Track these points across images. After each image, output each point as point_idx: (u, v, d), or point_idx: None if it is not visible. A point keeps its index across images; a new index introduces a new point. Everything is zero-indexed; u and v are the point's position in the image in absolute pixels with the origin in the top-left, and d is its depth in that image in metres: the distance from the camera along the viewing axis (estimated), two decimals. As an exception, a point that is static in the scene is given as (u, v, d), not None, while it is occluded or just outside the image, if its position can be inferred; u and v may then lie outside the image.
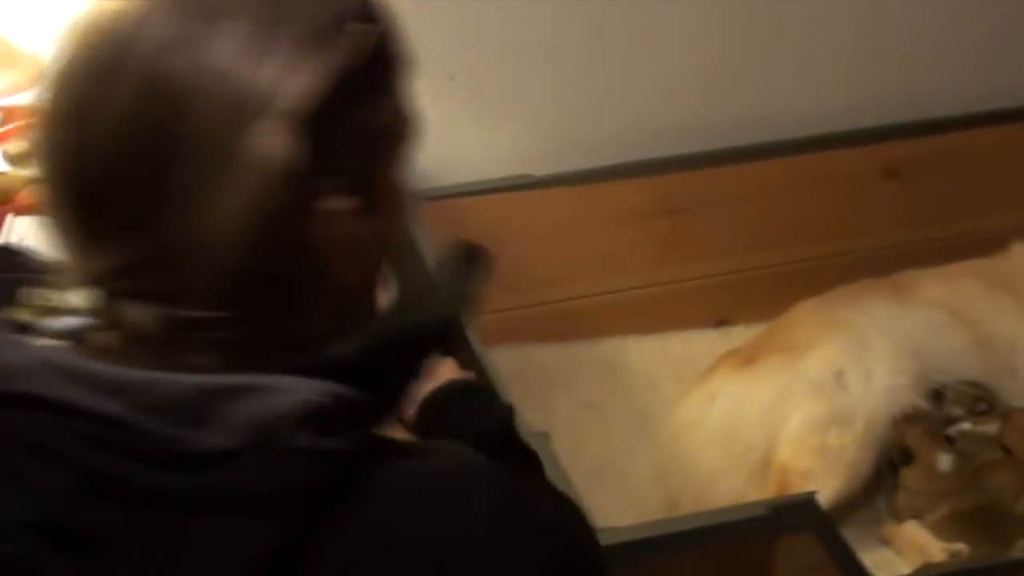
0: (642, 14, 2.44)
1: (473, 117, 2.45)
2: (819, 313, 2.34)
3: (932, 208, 2.58)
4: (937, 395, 2.25)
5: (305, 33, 0.88)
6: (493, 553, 0.87)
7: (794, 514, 1.77)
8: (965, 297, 2.38)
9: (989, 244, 2.48)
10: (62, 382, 0.87)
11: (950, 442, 2.22)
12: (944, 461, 2.19)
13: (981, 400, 2.27)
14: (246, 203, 0.86)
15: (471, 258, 1.02)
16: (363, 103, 0.90)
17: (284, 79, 0.86)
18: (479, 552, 0.87)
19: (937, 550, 2.11)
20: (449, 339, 1.04)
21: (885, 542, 2.17)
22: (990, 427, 2.27)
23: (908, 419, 2.20)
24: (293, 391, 0.85)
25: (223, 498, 0.84)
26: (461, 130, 2.43)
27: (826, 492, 2.05)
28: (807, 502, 1.80)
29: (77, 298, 0.93)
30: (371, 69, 0.91)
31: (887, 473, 2.20)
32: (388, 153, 0.94)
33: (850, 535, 1.92)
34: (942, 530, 2.15)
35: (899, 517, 2.18)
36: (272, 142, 0.85)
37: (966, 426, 2.26)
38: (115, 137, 0.87)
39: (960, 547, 2.11)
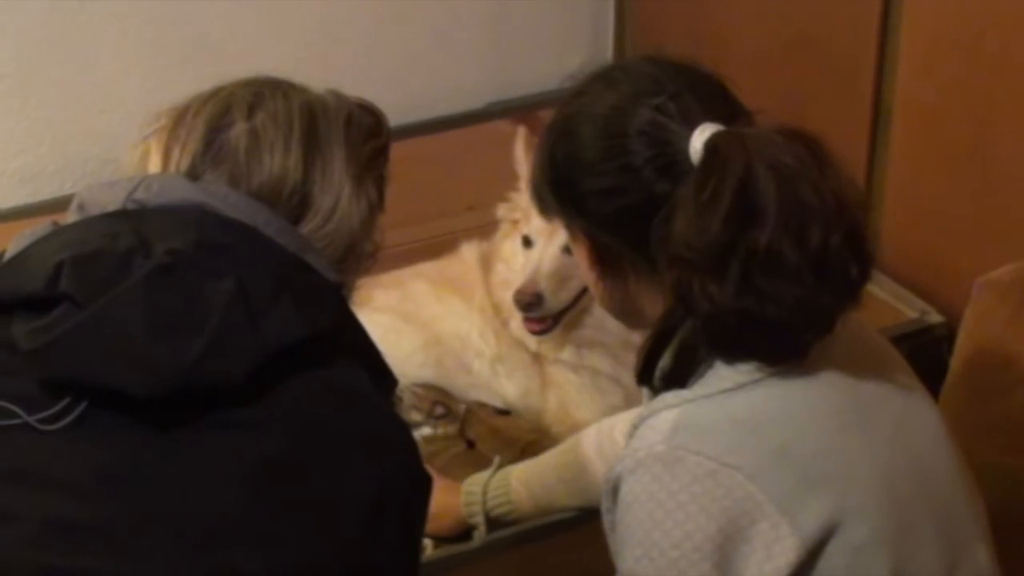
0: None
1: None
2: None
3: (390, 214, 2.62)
4: (396, 401, 2.28)
5: None
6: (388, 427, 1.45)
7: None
8: (415, 300, 2.43)
9: (439, 248, 2.54)
10: None
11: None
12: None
13: (438, 404, 2.32)
14: None
15: None
16: None
17: None
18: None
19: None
20: None
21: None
22: (450, 428, 2.32)
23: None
24: None
25: None
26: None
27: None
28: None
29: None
30: None
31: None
32: None
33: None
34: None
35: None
36: None
37: (427, 431, 2.30)
38: None
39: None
